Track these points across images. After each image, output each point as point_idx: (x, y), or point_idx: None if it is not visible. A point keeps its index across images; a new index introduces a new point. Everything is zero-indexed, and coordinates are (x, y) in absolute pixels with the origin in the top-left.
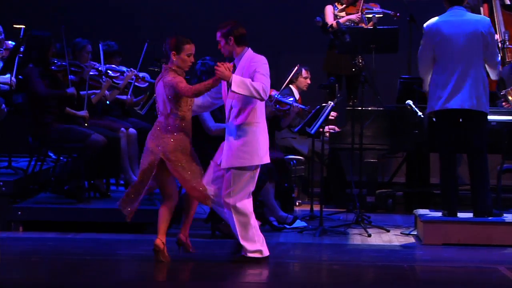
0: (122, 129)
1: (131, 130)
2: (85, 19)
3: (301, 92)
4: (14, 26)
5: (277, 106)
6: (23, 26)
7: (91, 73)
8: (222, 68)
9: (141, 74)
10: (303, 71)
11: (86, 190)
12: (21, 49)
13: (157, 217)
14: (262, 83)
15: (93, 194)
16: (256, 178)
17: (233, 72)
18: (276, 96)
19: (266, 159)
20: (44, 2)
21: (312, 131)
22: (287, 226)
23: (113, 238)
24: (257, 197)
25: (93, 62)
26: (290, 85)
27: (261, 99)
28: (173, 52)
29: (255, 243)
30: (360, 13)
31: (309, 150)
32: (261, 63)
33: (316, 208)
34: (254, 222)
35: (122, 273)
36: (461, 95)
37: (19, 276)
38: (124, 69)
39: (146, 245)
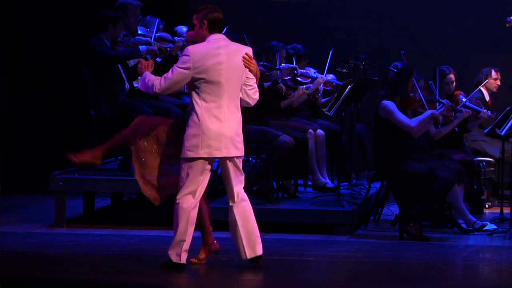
0: (310, 130)
1: (319, 131)
2: (270, 22)
3: (491, 94)
4: None
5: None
6: None
7: (285, 78)
8: (141, 65)
9: (329, 77)
10: (493, 72)
11: (274, 190)
12: None
13: (345, 218)
14: (164, 77)
15: (281, 194)
16: (193, 173)
17: None
18: (465, 101)
19: (195, 154)
20: (230, 7)
21: (502, 133)
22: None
23: (301, 238)
24: (446, 199)
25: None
26: (480, 87)
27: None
28: None
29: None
30: None
31: (500, 152)
32: (184, 53)
33: (506, 210)
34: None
35: (311, 273)
36: None
37: (216, 276)
38: (313, 73)
39: (335, 246)
